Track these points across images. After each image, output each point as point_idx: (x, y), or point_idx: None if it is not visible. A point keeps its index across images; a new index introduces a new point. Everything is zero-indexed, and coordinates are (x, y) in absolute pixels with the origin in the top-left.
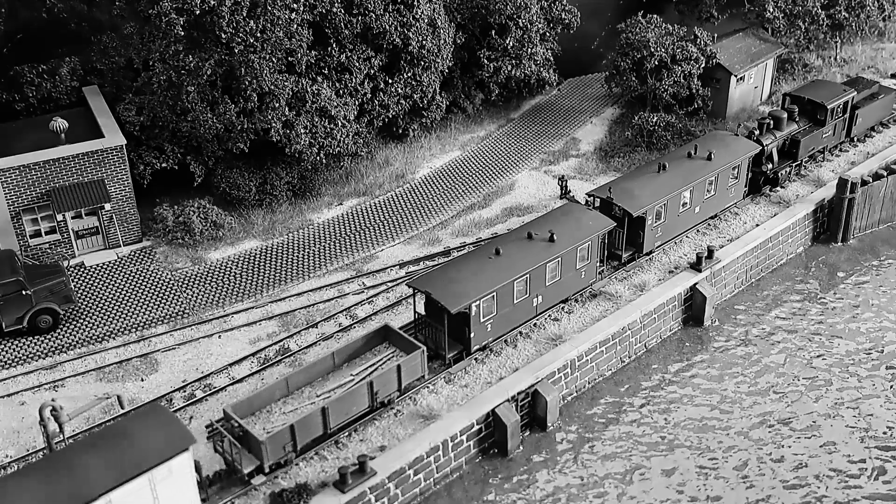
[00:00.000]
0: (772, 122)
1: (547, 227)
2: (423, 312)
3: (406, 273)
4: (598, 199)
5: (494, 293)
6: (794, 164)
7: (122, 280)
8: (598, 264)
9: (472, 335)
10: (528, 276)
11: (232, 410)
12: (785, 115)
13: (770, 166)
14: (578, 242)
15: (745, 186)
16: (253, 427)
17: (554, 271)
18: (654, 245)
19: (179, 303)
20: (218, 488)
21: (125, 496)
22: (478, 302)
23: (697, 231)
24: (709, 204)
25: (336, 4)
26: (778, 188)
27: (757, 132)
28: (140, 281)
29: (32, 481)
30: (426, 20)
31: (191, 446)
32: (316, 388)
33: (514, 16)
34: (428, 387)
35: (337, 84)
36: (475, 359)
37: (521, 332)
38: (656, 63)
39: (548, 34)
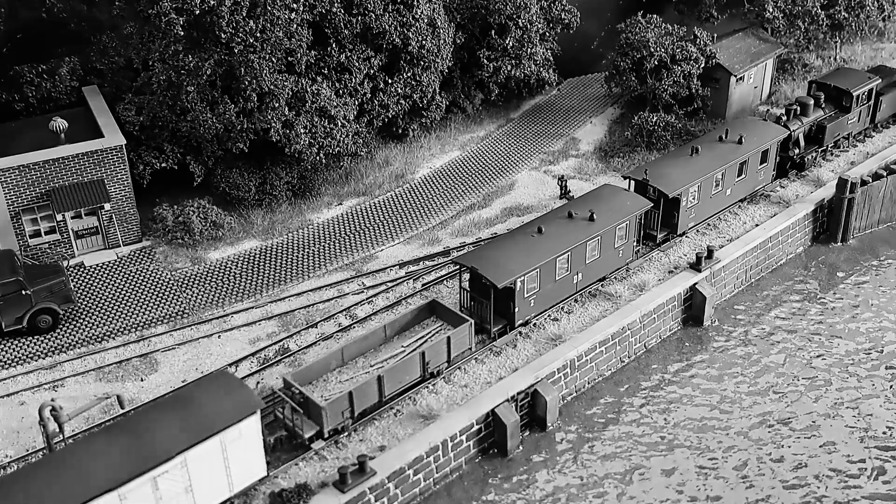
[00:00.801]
0: (799, 108)
1: (587, 207)
2: (467, 288)
3: (406, 273)
4: (634, 181)
5: (538, 269)
6: (819, 149)
7: (121, 280)
8: (634, 244)
9: (516, 310)
10: (569, 253)
11: (292, 378)
12: (811, 102)
13: (797, 151)
14: (617, 221)
15: (774, 170)
16: (312, 394)
17: (594, 249)
18: (688, 226)
19: (179, 303)
20: (280, 452)
21: (199, 456)
22: (522, 277)
23: (697, 232)
24: (739, 186)
25: (336, 4)
26: (804, 172)
27: (784, 118)
28: (140, 281)
29: (111, 441)
30: (426, 20)
31: (259, 410)
32: (369, 358)
33: (514, 16)
34: (428, 387)
35: (337, 84)
36: (519, 332)
37: (520, 333)
38: (656, 63)
39: (548, 34)
